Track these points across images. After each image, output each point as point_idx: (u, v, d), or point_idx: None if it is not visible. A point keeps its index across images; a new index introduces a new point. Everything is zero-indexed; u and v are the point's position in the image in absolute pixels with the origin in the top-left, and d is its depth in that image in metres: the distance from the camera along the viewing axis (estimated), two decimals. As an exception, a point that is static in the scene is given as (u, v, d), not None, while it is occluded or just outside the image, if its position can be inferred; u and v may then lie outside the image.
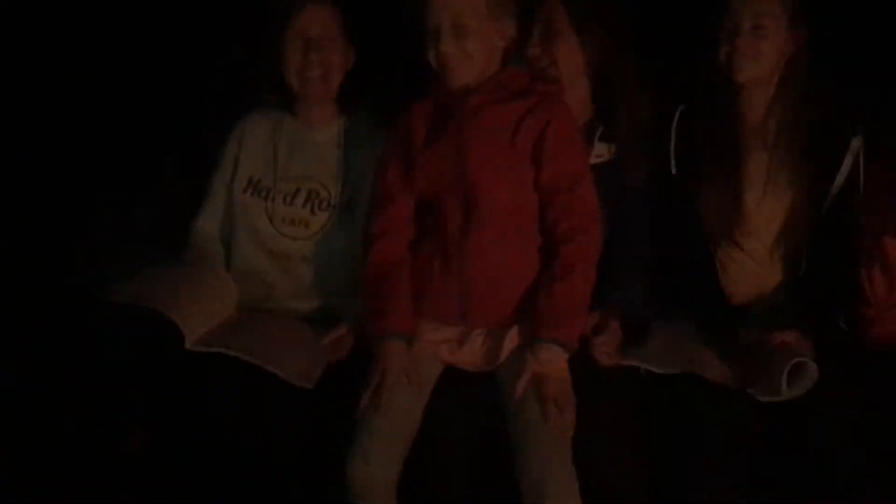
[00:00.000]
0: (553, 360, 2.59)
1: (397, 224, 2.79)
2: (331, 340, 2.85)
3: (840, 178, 2.86)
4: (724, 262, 2.95)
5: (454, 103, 2.72)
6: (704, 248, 2.93)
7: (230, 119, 3.17)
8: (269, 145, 3.10)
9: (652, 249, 2.90)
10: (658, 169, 2.96)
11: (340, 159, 3.06)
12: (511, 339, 2.70)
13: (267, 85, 3.09)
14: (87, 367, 2.71)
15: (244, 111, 3.16)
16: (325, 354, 2.83)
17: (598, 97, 3.00)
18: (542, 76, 2.85)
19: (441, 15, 2.64)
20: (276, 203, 3.06)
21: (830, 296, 2.85)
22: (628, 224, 2.91)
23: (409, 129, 2.78)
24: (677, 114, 2.98)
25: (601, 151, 2.96)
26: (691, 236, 2.92)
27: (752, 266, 2.95)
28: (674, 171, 2.96)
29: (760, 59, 2.84)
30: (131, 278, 2.86)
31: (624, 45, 2.94)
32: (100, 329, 2.72)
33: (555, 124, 2.69)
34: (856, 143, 2.86)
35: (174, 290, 2.83)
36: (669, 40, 3.10)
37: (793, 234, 2.90)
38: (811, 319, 2.76)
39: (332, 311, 2.97)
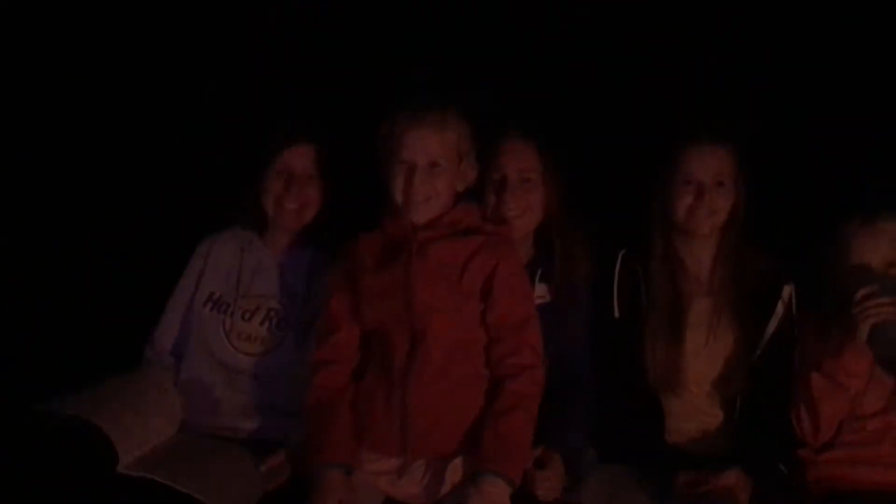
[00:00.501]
0: (496, 494, 2.55)
1: (341, 352, 2.79)
2: (269, 467, 2.79)
3: (773, 324, 2.93)
4: (666, 405, 2.98)
5: (404, 237, 2.75)
6: (650, 393, 2.96)
7: (201, 232, 3.22)
8: (234, 264, 3.14)
9: (596, 390, 2.94)
10: (601, 312, 3.01)
11: (303, 284, 3.08)
12: (453, 472, 2.67)
13: (245, 206, 3.15)
14: (15, 472, 2.61)
15: (215, 227, 3.21)
16: (262, 482, 2.76)
17: (538, 239, 3.07)
18: (493, 217, 2.91)
19: (418, 152, 2.72)
20: (234, 318, 3.07)
21: (767, 439, 2.88)
22: (572, 364, 2.94)
23: (356, 260, 2.81)
24: (619, 257, 3.04)
25: (541, 292, 3.00)
26: (636, 381, 2.95)
27: (693, 409, 2.98)
28: (616, 314, 3.01)
29: (720, 213, 2.95)
30: (77, 389, 2.85)
31: (565, 192, 3.04)
32: (32, 436, 2.66)
33: (504, 265, 2.74)
34: (787, 290, 2.94)
35: (116, 405, 2.83)
36: (612, 185, 3.20)
37: (732, 377, 2.96)
38: (750, 462, 2.78)
39: (274, 432, 2.93)
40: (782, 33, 3.34)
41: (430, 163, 2.72)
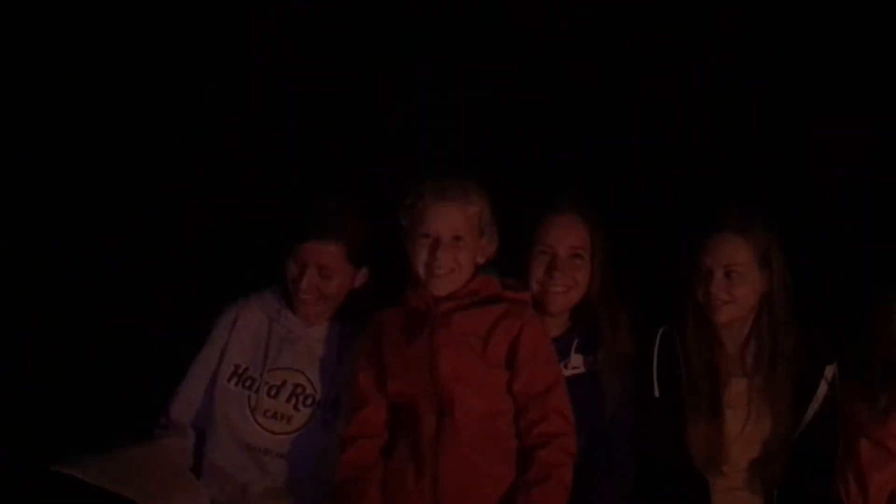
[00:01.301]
0: None
1: (370, 428, 2.76)
2: None
3: (815, 406, 2.88)
4: (711, 488, 2.92)
5: (426, 309, 2.75)
6: (693, 473, 2.90)
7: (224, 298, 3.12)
8: (261, 335, 3.02)
9: (636, 469, 2.89)
10: (641, 390, 2.96)
11: (332, 358, 3.00)
12: None
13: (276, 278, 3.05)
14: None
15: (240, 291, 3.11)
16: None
17: (576, 310, 3.04)
18: (512, 284, 2.87)
19: (441, 226, 2.73)
20: (259, 395, 2.96)
21: None
22: (612, 440, 2.89)
23: (380, 334, 2.81)
24: (659, 335, 3.01)
25: (577, 363, 2.97)
26: (677, 462, 2.89)
27: (733, 491, 2.92)
28: (656, 393, 2.96)
29: (734, 302, 2.91)
30: (95, 452, 2.76)
31: (611, 267, 3.03)
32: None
33: (527, 331, 2.74)
34: (830, 370, 2.90)
35: (145, 478, 2.74)
36: (652, 262, 3.17)
37: (772, 460, 2.90)
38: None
39: None
40: (818, 99, 3.34)
41: (453, 236, 2.73)
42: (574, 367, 2.95)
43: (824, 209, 3.28)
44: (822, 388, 2.89)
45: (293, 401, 2.96)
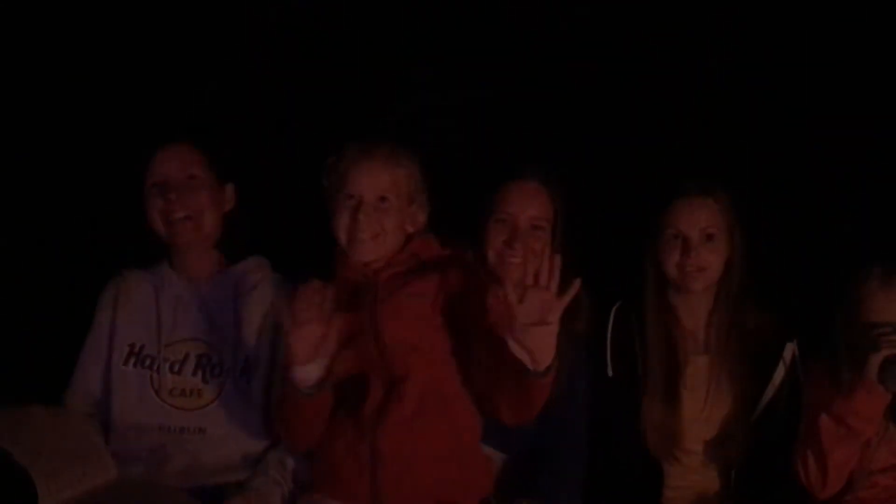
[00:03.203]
0: None
1: None
2: None
3: (773, 385, 2.82)
4: (663, 469, 2.83)
5: (366, 280, 2.60)
6: (647, 457, 2.81)
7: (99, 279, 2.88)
8: (149, 307, 2.79)
9: (590, 448, 2.80)
10: (595, 369, 2.87)
11: (231, 318, 2.78)
12: None
13: (136, 239, 2.82)
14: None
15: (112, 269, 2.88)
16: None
17: None
18: (452, 243, 2.73)
19: (367, 187, 2.55)
20: (161, 373, 2.74)
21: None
22: (566, 419, 2.78)
23: None
24: (613, 312, 2.93)
25: None
26: (632, 444, 2.81)
27: (690, 473, 2.84)
28: (610, 372, 2.88)
29: (710, 268, 2.84)
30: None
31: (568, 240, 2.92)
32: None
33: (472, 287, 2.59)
34: (789, 349, 2.84)
35: (41, 442, 2.53)
36: (610, 235, 3.11)
37: (730, 440, 2.82)
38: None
39: (230, 487, 2.65)
40: (792, 82, 3.32)
41: (378, 197, 2.56)
42: None
43: (782, 187, 3.24)
44: (780, 369, 2.82)
45: (200, 373, 2.75)
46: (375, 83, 3.38)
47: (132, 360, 2.76)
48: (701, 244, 2.81)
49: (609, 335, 2.90)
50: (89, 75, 3.40)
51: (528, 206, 2.85)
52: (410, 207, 2.63)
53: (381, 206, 2.55)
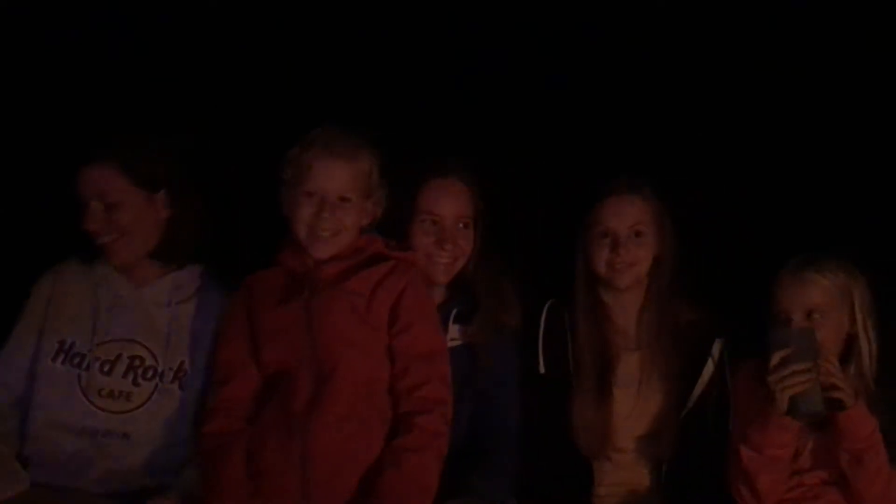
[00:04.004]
0: None
1: (235, 402, 2.58)
2: None
3: (702, 381, 2.81)
4: (595, 466, 2.82)
5: (306, 271, 2.58)
6: (577, 455, 2.80)
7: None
8: (85, 304, 2.73)
9: (521, 445, 2.77)
10: (527, 366, 2.85)
11: (169, 321, 2.74)
12: None
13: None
14: None
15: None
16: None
17: (452, 280, 2.89)
18: (397, 244, 2.72)
19: (330, 185, 2.55)
20: (91, 372, 2.67)
21: (698, 501, 2.74)
22: (497, 413, 2.78)
23: (252, 300, 2.62)
24: (546, 309, 2.90)
25: (454, 334, 2.83)
26: (563, 442, 2.79)
27: (622, 470, 2.84)
28: (542, 369, 2.84)
29: (639, 264, 2.84)
30: None
31: (495, 237, 2.92)
32: None
33: (411, 290, 2.60)
34: (717, 345, 2.84)
35: None
36: (544, 233, 3.11)
37: (661, 437, 2.82)
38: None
39: (154, 492, 2.59)
40: (720, 80, 3.31)
41: (340, 197, 2.56)
42: (452, 339, 2.80)
43: (711, 187, 3.23)
44: (709, 365, 2.82)
45: (131, 375, 2.69)
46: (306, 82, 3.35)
47: (61, 357, 2.70)
48: (629, 241, 2.82)
49: (541, 332, 2.87)
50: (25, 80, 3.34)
51: (453, 204, 2.83)
52: (368, 202, 2.63)
53: (342, 205, 2.56)
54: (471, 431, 2.72)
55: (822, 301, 2.64)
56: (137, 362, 2.70)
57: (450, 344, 2.78)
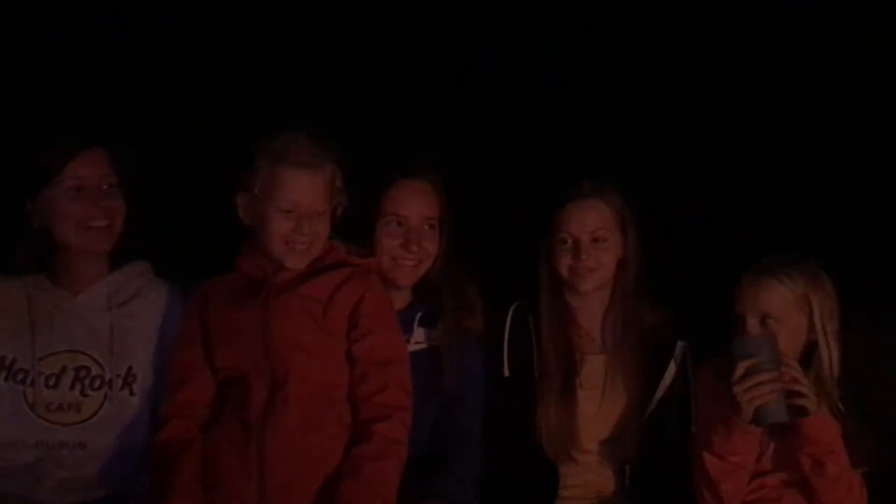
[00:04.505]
0: None
1: (190, 408, 2.57)
2: None
3: (665, 383, 2.83)
4: (559, 469, 2.83)
5: (264, 278, 2.57)
6: (542, 458, 2.81)
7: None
8: (21, 317, 2.66)
9: (486, 448, 2.78)
10: (491, 369, 2.85)
11: (111, 326, 2.69)
12: None
13: (27, 244, 2.69)
14: None
15: None
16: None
17: (417, 284, 2.89)
18: (357, 251, 2.71)
19: (306, 201, 2.54)
20: (36, 388, 2.62)
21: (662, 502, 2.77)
22: (461, 416, 2.78)
23: (207, 304, 2.61)
24: (511, 312, 2.90)
25: (420, 337, 2.83)
26: (528, 446, 2.80)
27: (586, 473, 2.85)
28: (507, 372, 2.85)
29: (601, 268, 2.84)
30: None
31: (460, 239, 2.91)
32: None
33: (370, 296, 2.60)
34: (680, 347, 2.85)
35: None
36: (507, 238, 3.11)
37: (625, 439, 2.84)
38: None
39: (112, 501, 2.59)
40: (687, 82, 3.34)
41: (316, 211, 2.56)
42: (417, 342, 2.81)
43: (675, 188, 3.25)
44: (672, 367, 2.83)
45: (78, 387, 2.64)
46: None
47: (3, 375, 2.63)
48: (591, 246, 2.82)
49: (507, 335, 2.88)
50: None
51: (419, 204, 2.82)
52: (331, 205, 2.63)
53: (318, 218, 2.56)
54: (435, 435, 2.72)
55: (778, 307, 2.66)
56: (83, 373, 2.65)
57: (415, 347, 2.78)
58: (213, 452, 2.51)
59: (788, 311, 2.66)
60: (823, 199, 3.22)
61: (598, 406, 2.84)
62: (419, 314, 2.83)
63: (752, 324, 2.65)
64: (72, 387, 2.64)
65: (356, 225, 2.76)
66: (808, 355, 2.70)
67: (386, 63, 3.35)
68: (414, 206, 2.81)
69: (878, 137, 3.20)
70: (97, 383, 2.65)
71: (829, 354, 2.67)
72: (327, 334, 2.53)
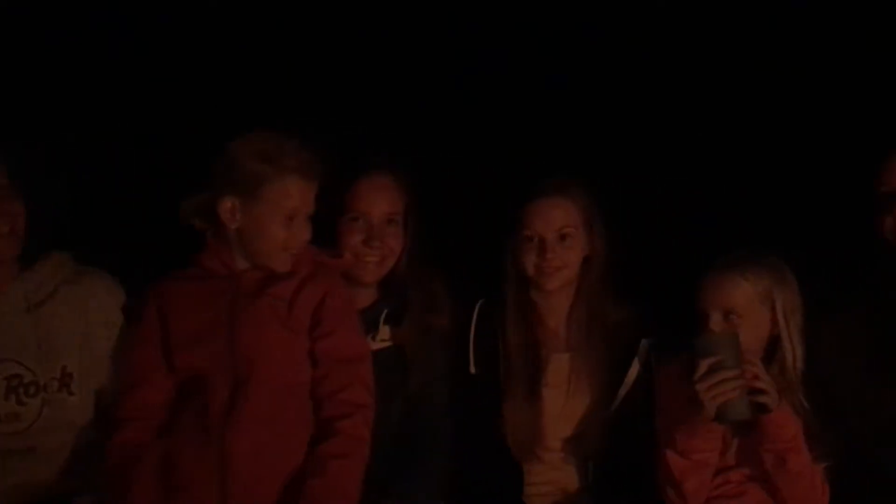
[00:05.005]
0: None
1: (146, 409, 2.55)
2: None
3: (629, 380, 2.83)
4: (525, 467, 2.83)
5: (229, 274, 2.57)
6: (508, 456, 2.80)
7: None
8: None
9: (451, 446, 2.77)
10: (457, 366, 2.85)
11: (34, 327, 2.63)
12: None
13: None
14: None
15: None
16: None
17: (382, 281, 2.89)
18: (323, 251, 2.70)
19: (304, 208, 2.56)
20: None
21: (626, 500, 2.77)
22: (426, 414, 2.78)
23: (167, 305, 2.58)
24: (477, 309, 2.89)
25: (386, 335, 2.82)
26: (493, 443, 2.79)
27: (552, 470, 2.85)
28: (473, 369, 2.85)
29: (567, 266, 2.84)
30: None
31: (424, 235, 2.91)
32: None
33: (333, 294, 2.59)
34: (643, 344, 2.85)
35: None
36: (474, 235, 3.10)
37: (589, 436, 2.83)
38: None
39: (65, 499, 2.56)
40: (652, 80, 3.33)
41: (308, 214, 2.58)
42: (383, 339, 2.81)
43: (639, 187, 3.26)
44: (636, 364, 2.83)
45: (13, 396, 2.59)
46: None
47: None
48: (556, 244, 2.81)
49: (472, 332, 2.87)
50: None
51: (382, 201, 2.82)
52: None
53: (308, 221, 2.59)
54: (401, 433, 2.71)
55: (741, 303, 2.65)
56: (16, 381, 2.61)
57: (380, 345, 2.79)
58: (172, 455, 2.48)
59: (752, 306, 2.66)
60: (785, 196, 3.21)
61: (563, 404, 2.83)
62: (385, 311, 2.83)
63: (716, 319, 2.65)
64: (6, 397, 2.60)
65: (320, 222, 2.73)
66: (772, 350, 2.69)
67: (346, 58, 3.33)
68: (376, 202, 2.80)
69: (833, 134, 3.20)
70: (32, 390, 2.61)
71: (793, 349, 2.67)
72: (292, 333, 2.53)
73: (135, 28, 3.33)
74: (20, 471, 2.59)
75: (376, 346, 2.77)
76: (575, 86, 3.31)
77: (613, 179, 3.06)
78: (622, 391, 2.82)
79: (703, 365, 2.52)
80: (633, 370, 2.83)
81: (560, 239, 2.81)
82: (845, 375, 2.70)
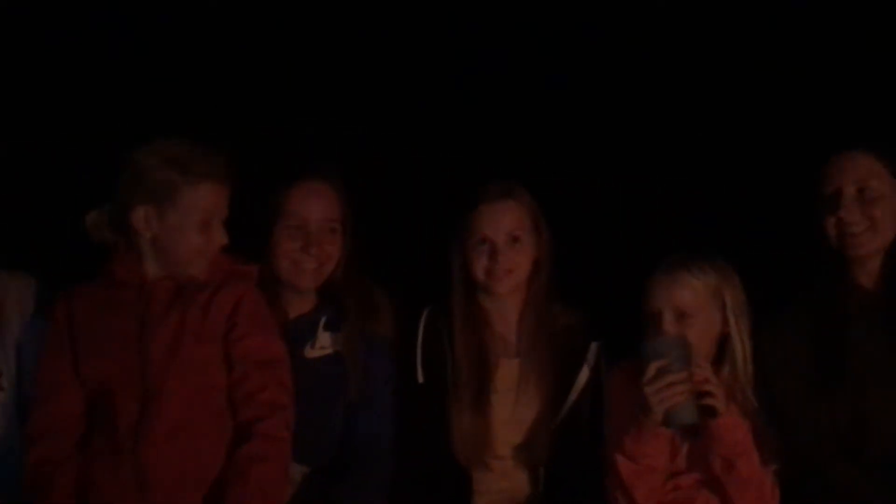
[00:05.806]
0: None
1: (60, 422, 2.49)
2: None
3: (578, 385, 2.79)
4: (473, 476, 2.78)
5: (140, 283, 2.51)
6: (456, 465, 2.75)
7: None
8: None
9: (397, 456, 2.73)
10: (404, 375, 2.80)
11: None
12: None
13: None
14: None
15: None
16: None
17: (321, 287, 2.83)
18: (238, 258, 2.65)
19: (219, 213, 2.53)
20: None
21: None
22: (370, 424, 2.72)
23: (76, 314, 2.52)
24: (424, 316, 2.85)
25: (325, 342, 2.77)
26: (440, 453, 2.74)
27: (501, 479, 2.80)
28: (420, 378, 2.79)
29: (519, 269, 2.81)
30: None
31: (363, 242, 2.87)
32: None
33: (247, 299, 2.55)
34: (593, 348, 2.81)
35: None
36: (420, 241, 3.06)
37: (538, 443, 2.78)
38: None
39: None
40: (584, 85, 3.32)
41: (222, 218, 2.54)
42: (322, 347, 2.75)
43: (583, 186, 3.24)
44: (585, 369, 2.79)
45: None
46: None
47: None
48: (507, 248, 2.78)
49: (420, 341, 2.82)
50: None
51: (319, 206, 2.77)
52: None
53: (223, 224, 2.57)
54: (344, 444, 2.67)
55: (692, 302, 2.61)
56: None
57: (319, 353, 2.74)
58: (88, 473, 2.43)
59: (702, 305, 2.62)
60: (726, 198, 3.22)
61: (513, 411, 2.78)
62: (323, 319, 2.77)
63: (668, 319, 2.60)
64: None
65: (254, 228, 2.72)
66: (721, 350, 2.65)
67: (284, 61, 3.29)
68: (314, 207, 2.76)
69: (775, 135, 3.21)
70: None
71: (743, 348, 2.64)
72: (206, 341, 2.48)
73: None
74: None
75: (315, 353, 2.73)
76: (515, 88, 3.30)
77: (556, 182, 3.04)
78: (572, 396, 2.78)
79: (652, 368, 2.47)
80: (583, 374, 2.79)
81: (511, 242, 2.78)
82: (786, 379, 2.67)
